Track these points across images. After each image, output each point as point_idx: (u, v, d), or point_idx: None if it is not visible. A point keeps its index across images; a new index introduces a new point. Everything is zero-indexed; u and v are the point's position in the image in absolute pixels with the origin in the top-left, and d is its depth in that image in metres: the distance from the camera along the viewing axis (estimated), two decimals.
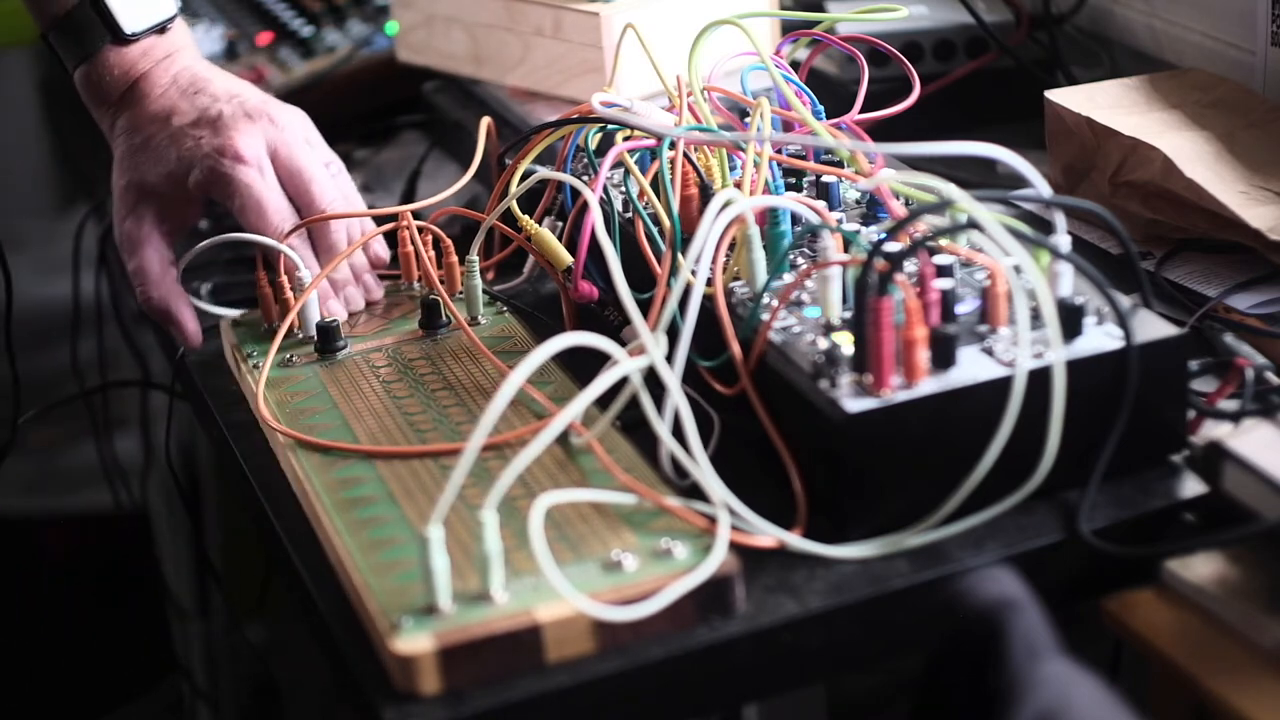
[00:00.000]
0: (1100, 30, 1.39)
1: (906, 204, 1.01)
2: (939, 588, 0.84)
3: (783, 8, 1.37)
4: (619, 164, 1.05)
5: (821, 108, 1.07)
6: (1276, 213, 1.05)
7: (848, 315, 0.92)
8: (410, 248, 1.12)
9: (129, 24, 1.14)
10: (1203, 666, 0.79)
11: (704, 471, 0.86)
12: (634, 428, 0.92)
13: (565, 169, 1.08)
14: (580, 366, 0.95)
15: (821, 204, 0.99)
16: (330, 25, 1.60)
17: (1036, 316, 0.88)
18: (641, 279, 0.98)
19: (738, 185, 0.99)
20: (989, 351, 0.87)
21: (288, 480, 0.97)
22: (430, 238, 1.10)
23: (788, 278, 0.96)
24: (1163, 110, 1.16)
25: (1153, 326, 0.89)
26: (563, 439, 0.93)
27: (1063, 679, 0.71)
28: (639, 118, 1.04)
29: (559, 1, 1.29)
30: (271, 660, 1.91)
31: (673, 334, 0.89)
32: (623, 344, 0.89)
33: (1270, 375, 0.97)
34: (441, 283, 1.10)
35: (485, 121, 1.19)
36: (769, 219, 0.97)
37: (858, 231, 0.99)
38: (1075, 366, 0.85)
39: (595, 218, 0.97)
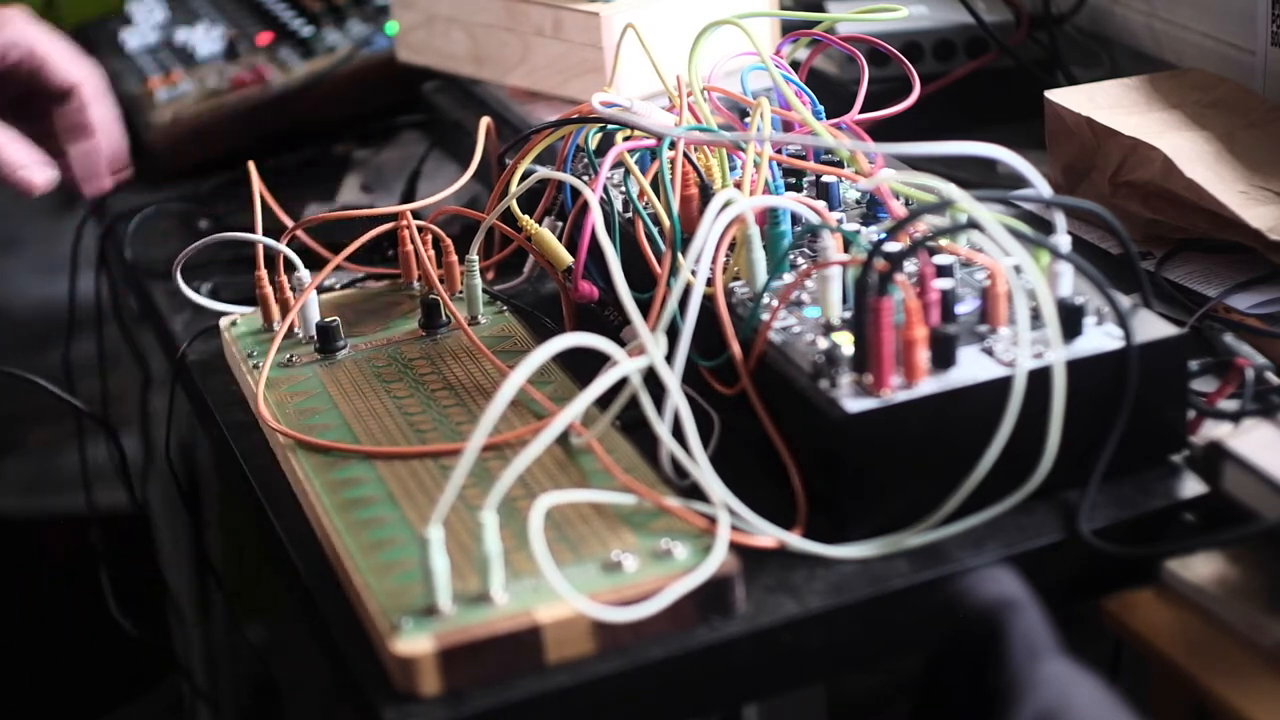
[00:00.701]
0: (1100, 30, 1.39)
1: (906, 204, 1.01)
2: (939, 588, 0.84)
3: (783, 8, 1.37)
4: (619, 164, 1.05)
5: (821, 108, 1.07)
6: (1276, 213, 1.05)
7: (848, 315, 0.92)
8: (410, 247, 1.12)
9: None
10: (1203, 666, 0.79)
11: (704, 471, 0.86)
12: (634, 428, 0.92)
13: (565, 169, 1.08)
14: (580, 366, 0.95)
15: (821, 204, 0.99)
16: (330, 25, 1.60)
17: (1036, 316, 0.88)
18: (641, 279, 0.98)
19: (738, 185, 0.99)
20: (989, 351, 0.87)
21: (288, 480, 0.97)
22: (430, 237, 1.10)
23: (788, 278, 0.96)
24: (1163, 110, 1.16)
25: (1153, 326, 0.89)
26: (563, 439, 0.93)
27: (1063, 679, 0.71)
28: (639, 118, 1.04)
29: (559, 1, 1.29)
30: (271, 660, 1.91)
31: (673, 334, 0.89)
32: (623, 344, 0.89)
33: (1270, 375, 0.97)
34: (441, 282, 1.10)
35: (485, 121, 1.19)
36: (769, 219, 0.97)
37: (858, 231, 0.99)
38: (1075, 366, 0.85)
39: (595, 218, 0.97)
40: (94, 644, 2.06)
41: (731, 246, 0.97)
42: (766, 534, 0.86)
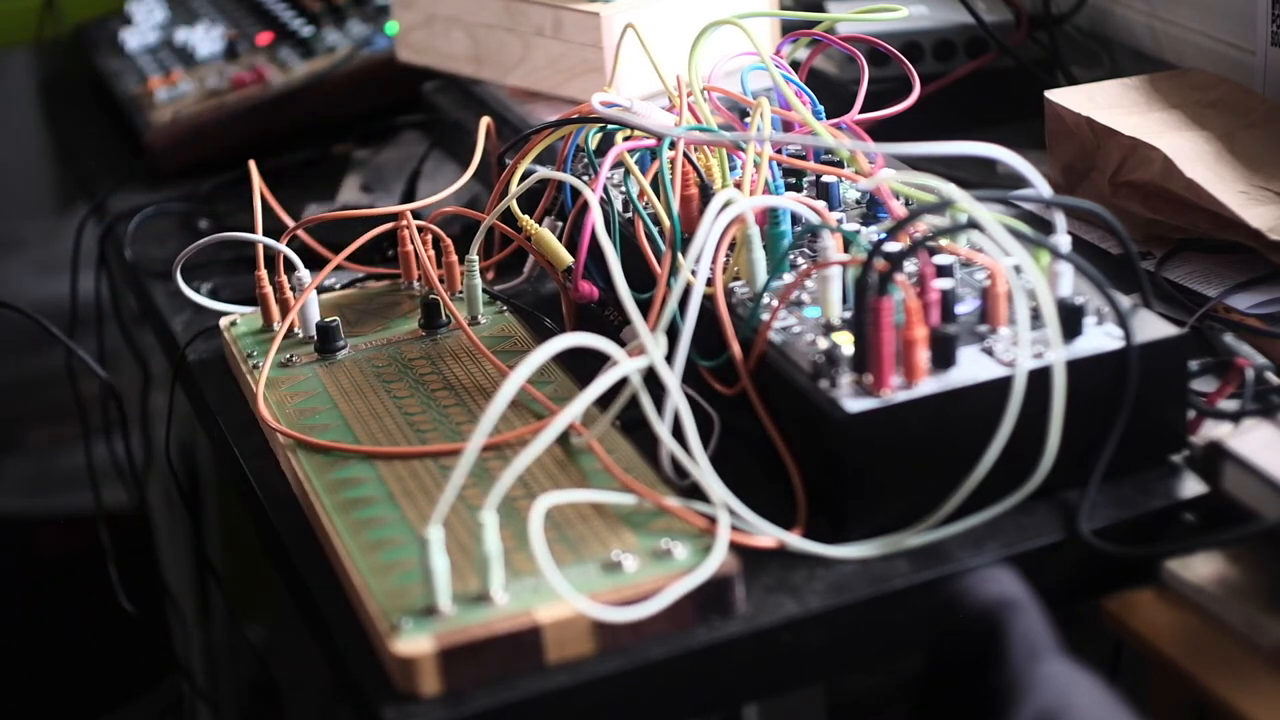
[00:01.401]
0: (1100, 30, 1.39)
1: (906, 204, 1.01)
2: (939, 588, 0.84)
3: (783, 8, 1.37)
4: (619, 164, 1.05)
5: (821, 108, 1.07)
6: (1276, 213, 1.05)
7: (848, 315, 0.92)
8: (410, 247, 1.12)
9: None
10: (1203, 666, 0.79)
11: (704, 471, 0.86)
12: (634, 428, 0.92)
13: (565, 169, 1.08)
14: (580, 366, 0.95)
15: (821, 204, 0.99)
16: (330, 25, 1.60)
17: (1036, 316, 0.88)
18: (641, 279, 0.98)
19: (738, 185, 0.99)
20: (989, 351, 0.88)
21: (288, 480, 0.97)
22: (430, 237, 1.10)
23: (788, 278, 0.96)
24: (1163, 110, 1.16)
25: (1153, 326, 0.89)
26: (563, 439, 0.93)
27: (1063, 679, 0.71)
28: (639, 118, 1.04)
29: (559, 1, 1.29)
30: (271, 660, 1.91)
31: (673, 334, 0.89)
32: (623, 344, 0.89)
33: (1270, 375, 0.97)
34: (441, 282, 1.10)
35: (485, 121, 1.19)
36: (769, 219, 0.97)
37: (858, 231, 0.99)
38: (1075, 366, 0.85)
39: (595, 218, 0.97)
40: (94, 644, 2.06)
41: (731, 246, 0.97)
42: (766, 534, 0.86)
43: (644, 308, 0.91)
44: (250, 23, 1.69)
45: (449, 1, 1.37)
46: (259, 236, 1.10)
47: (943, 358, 0.86)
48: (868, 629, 0.84)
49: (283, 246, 1.09)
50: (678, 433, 0.87)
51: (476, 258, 1.08)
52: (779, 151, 1.05)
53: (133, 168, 1.50)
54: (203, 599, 1.93)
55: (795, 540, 0.86)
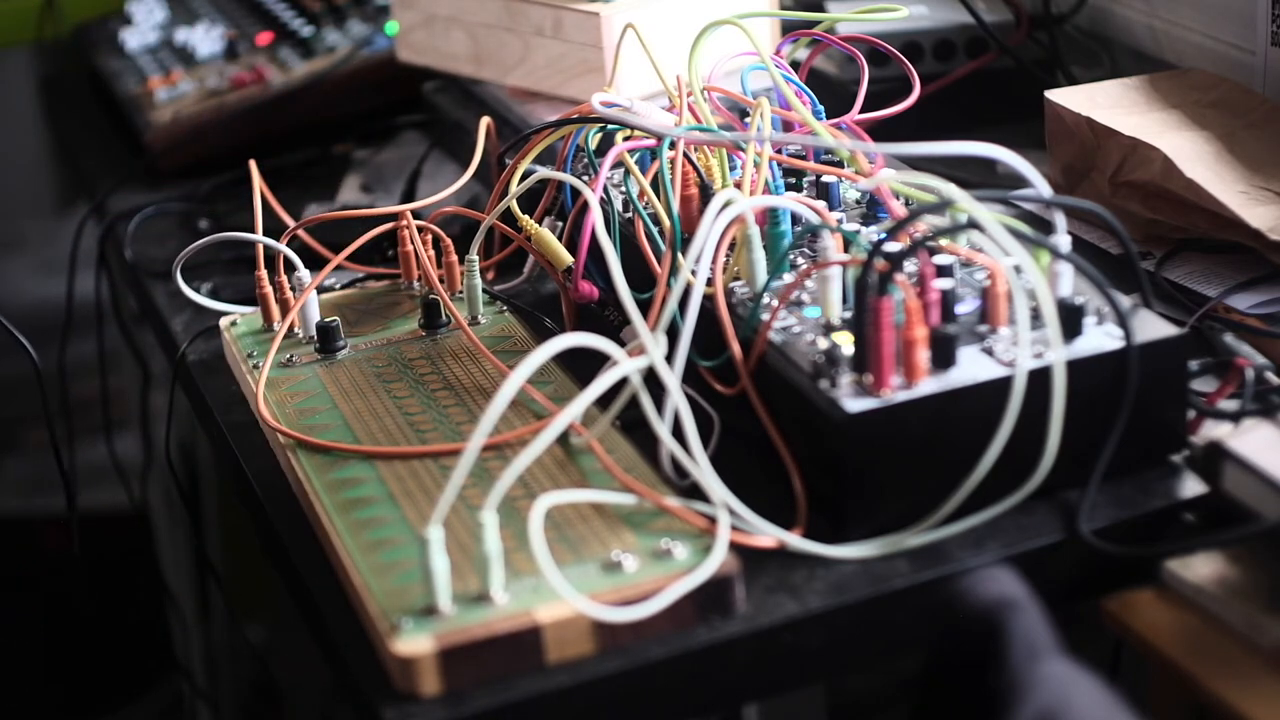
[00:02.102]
0: (1100, 30, 1.39)
1: (906, 204, 1.01)
2: (939, 588, 0.84)
3: (783, 8, 1.37)
4: (619, 164, 1.05)
5: (821, 108, 1.07)
6: (1276, 213, 1.05)
7: (848, 315, 0.92)
8: (410, 247, 1.12)
9: None
10: (1203, 666, 0.79)
11: (704, 471, 0.86)
12: (634, 428, 0.92)
13: (565, 169, 1.08)
14: (580, 366, 0.95)
15: (821, 204, 0.99)
16: (330, 25, 1.60)
17: (1036, 316, 0.88)
18: (641, 279, 0.98)
19: (738, 185, 0.99)
20: (989, 351, 0.88)
21: (288, 480, 0.97)
22: (430, 237, 1.10)
23: (788, 278, 0.96)
24: (1163, 110, 1.16)
25: (1153, 326, 0.89)
26: (563, 439, 0.93)
27: (1063, 679, 0.71)
28: (639, 118, 1.04)
29: (559, 1, 1.29)
30: (271, 660, 1.91)
31: (673, 334, 0.89)
32: (623, 344, 0.89)
33: (1270, 375, 0.97)
34: (441, 282, 1.10)
35: (485, 121, 1.19)
36: (769, 219, 0.97)
37: (858, 231, 0.99)
38: (1075, 366, 0.85)
39: (595, 218, 0.97)
40: (94, 644, 2.06)
41: (731, 246, 0.97)
42: (766, 534, 0.86)
43: (644, 308, 0.91)
44: (250, 23, 1.69)
45: (449, 1, 1.37)
46: (259, 236, 1.10)
47: (943, 358, 0.86)
48: (868, 629, 0.84)
49: (283, 246, 1.09)
50: (678, 433, 0.87)
51: (476, 258, 1.08)
52: (779, 151, 1.05)
53: (133, 168, 1.50)
54: (203, 599, 1.93)
55: (795, 540, 0.86)
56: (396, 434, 0.97)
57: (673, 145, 1.01)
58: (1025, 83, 1.31)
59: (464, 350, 1.05)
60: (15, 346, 1.21)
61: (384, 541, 0.87)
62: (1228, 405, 0.94)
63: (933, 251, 0.92)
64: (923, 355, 0.85)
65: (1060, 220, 0.91)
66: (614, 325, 1.05)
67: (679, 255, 0.96)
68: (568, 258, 1.04)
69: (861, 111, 1.07)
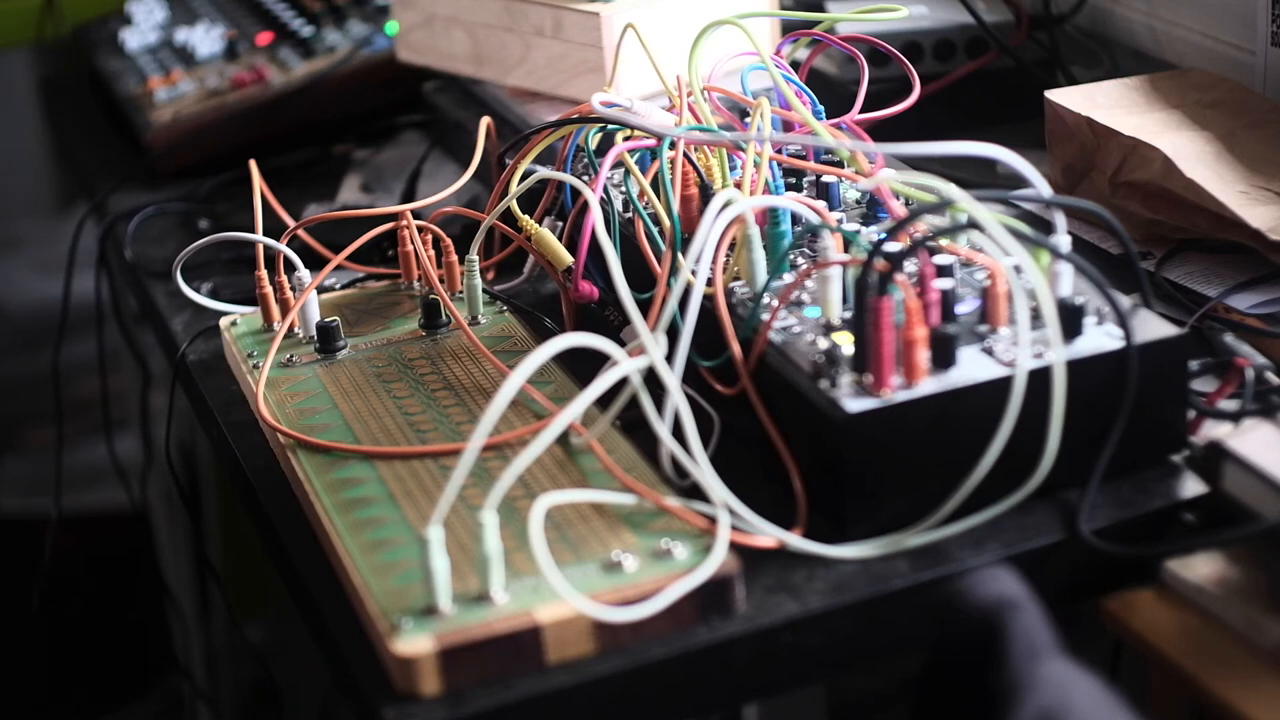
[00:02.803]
0: (1100, 30, 1.39)
1: (906, 204, 1.01)
2: (939, 588, 0.84)
3: (783, 8, 1.37)
4: (619, 164, 1.05)
5: (821, 108, 1.07)
6: (1276, 213, 1.05)
7: (848, 315, 0.92)
8: (410, 247, 1.12)
9: None
10: (1203, 666, 0.79)
11: (704, 471, 0.86)
12: (634, 428, 0.92)
13: (565, 169, 1.08)
14: (580, 366, 0.95)
15: (821, 204, 0.99)
16: (330, 25, 1.60)
17: (1036, 316, 0.88)
18: (641, 279, 0.98)
19: (738, 185, 0.99)
20: (989, 351, 0.88)
21: (288, 480, 0.97)
22: (430, 237, 1.10)
23: (788, 278, 0.96)
24: (1163, 110, 1.16)
25: (1153, 326, 0.89)
26: (563, 439, 0.93)
27: (1063, 679, 0.71)
28: (639, 118, 1.04)
29: (559, 1, 1.29)
30: (271, 660, 1.91)
31: (673, 334, 0.89)
32: (623, 344, 0.89)
33: (1270, 375, 0.97)
34: (441, 282, 1.10)
35: (485, 121, 1.19)
36: (769, 219, 0.97)
37: (858, 231, 0.99)
38: (1075, 366, 0.85)
39: (595, 218, 0.97)
40: (94, 644, 2.06)
41: (731, 246, 0.97)
42: (766, 534, 0.86)
43: (644, 308, 0.91)
44: (250, 23, 1.69)
45: (449, 1, 1.37)
46: (259, 236, 1.10)
47: (943, 358, 0.86)
48: (868, 629, 0.84)
49: (283, 246, 1.09)
50: (678, 433, 0.87)
51: (476, 258, 1.08)
52: (779, 151, 1.05)
53: (133, 168, 1.50)
54: (203, 599, 1.93)
55: (795, 540, 0.86)
56: (396, 434, 0.97)
57: (673, 145, 1.01)
58: (1025, 83, 1.31)
59: (464, 350, 1.05)
60: (16, 346, 1.21)
61: (384, 541, 0.87)
62: (1228, 405, 0.94)
63: (933, 251, 0.92)
64: (923, 355, 0.85)
65: (1060, 220, 0.91)
66: (614, 325, 1.05)
67: (679, 255, 0.96)
68: (568, 258, 1.04)
69: (861, 111, 1.07)
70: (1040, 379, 0.85)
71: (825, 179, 1.04)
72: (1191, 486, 0.89)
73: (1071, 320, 0.87)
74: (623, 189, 1.08)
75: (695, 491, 0.88)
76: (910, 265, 0.92)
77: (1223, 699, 0.77)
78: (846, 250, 0.94)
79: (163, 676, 2.06)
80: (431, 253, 1.10)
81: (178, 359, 1.15)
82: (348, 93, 1.53)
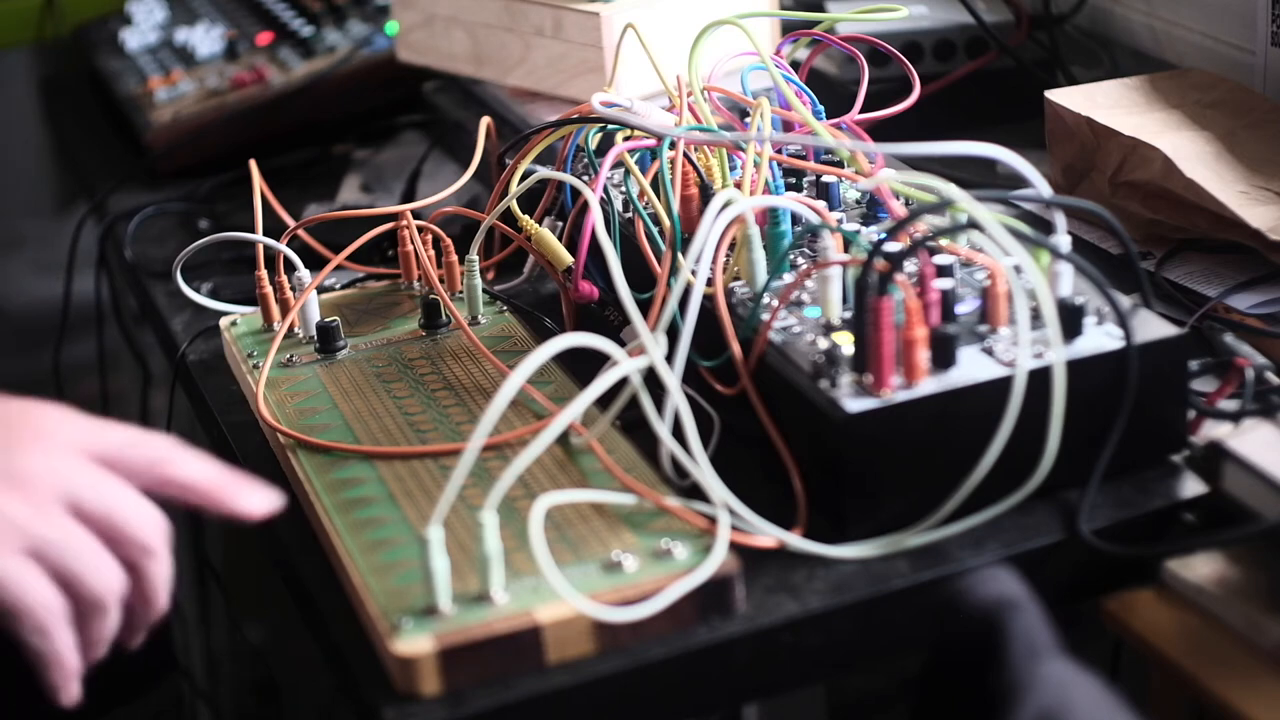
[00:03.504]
0: (1100, 30, 1.39)
1: (906, 204, 1.01)
2: (939, 588, 0.84)
3: (783, 8, 1.37)
4: (619, 164, 1.05)
5: (821, 108, 1.07)
6: (1276, 213, 1.05)
7: (848, 315, 0.92)
8: (410, 247, 1.12)
9: None
10: (1203, 666, 0.79)
11: (704, 471, 0.86)
12: (634, 428, 0.92)
13: (565, 169, 1.08)
14: (580, 366, 0.95)
15: (821, 204, 0.99)
16: (330, 25, 1.60)
17: (1036, 316, 0.88)
18: (641, 279, 0.98)
19: (738, 185, 0.99)
20: (989, 351, 0.87)
21: (288, 481, 0.97)
22: (430, 237, 1.10)
23: (788, 278, 0.96)
24: (1163, 110, 1.16)
25: (1153, 326, 0.89)
26: (563, 439, 0.93)
27: (1063, 679, 0.71)
28: (639, 118, 1.04)
29: (559, 1, 1.29)
30: (271, 660, 1.91)
31: (673, 334, 0.89)
32: (623, 344, 0.89)
33: (1270, 375, 0.97)
34: (441, 282, 1.10)
35: (485, 121, 1.19)
36: (769, 219, 0.97)
37: (858, 231, 0.99)
38: (1075, 366, 0.85)
39: (595, 218, 0.97)
40: None
41: (731, 246, 0.97)
42: (766, 534, 0.86)
43: (644, 308, 0.91)
44: (250, 23, 1.69)
45: (449, 1, 1.37)
46: (259, 236, 1.10)
47: (943, 358, 0.86)
48: (868, 629, 0.84)
49: (283, 246, 1.09)
50: (678, 433, 0.87)
51: (476, 257, 1.08)
52: (779, 151, 1.05)
53: (133, 168, 1.50)
54: (203, 599, 1.92)
55: (795, 540, 0.86)
56: (396, 434, 0.97)
57: (673, 145, 1.01)
58: (1025, 83, 1.31)
59: (464, 350, 1.05)
60: (16, 346, 1.21)
61: (384, 541, 0.87)
62: (1228, 405, 0.94)
63: (933, 251, 0.92)
64: (923, 355, 0.85)
65: (1060, 220, 0.91)
66: (614, 325, 1.05)
67: (679, 255, 0.96)
68: (568, 258, 1.04)
69: (861, 111, 1.07)
70: (1040, 379, 0.85)
71: (825, 179, 1.04)
72: (1191, 486, 0.89)
73: (1071, 320, 0.87)
74: (623, 189, 1.08)
75: (695, 491, 0.88)
76: (910, 265, 0.92)
77: (1223, 699, 0.77)
78: (846, 250, 0.94)
79: (163, 676, 2.06)
80: (431, 253, 1.10)
81: (178, 359, 1.15)
82: (348, 93, 1.53)
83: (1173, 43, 1.31)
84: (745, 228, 0.94)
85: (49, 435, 0.83)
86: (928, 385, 0.85)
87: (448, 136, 1.41)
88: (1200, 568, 0.83)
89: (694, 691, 0.83)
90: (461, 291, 1.10)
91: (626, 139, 1.05)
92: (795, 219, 0.98)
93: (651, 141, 1.03)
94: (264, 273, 1.10)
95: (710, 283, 0.94)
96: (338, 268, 1.13)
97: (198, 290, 1.17)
